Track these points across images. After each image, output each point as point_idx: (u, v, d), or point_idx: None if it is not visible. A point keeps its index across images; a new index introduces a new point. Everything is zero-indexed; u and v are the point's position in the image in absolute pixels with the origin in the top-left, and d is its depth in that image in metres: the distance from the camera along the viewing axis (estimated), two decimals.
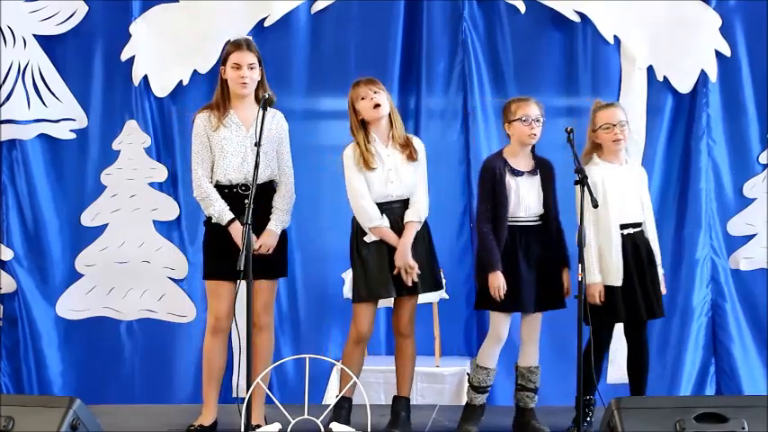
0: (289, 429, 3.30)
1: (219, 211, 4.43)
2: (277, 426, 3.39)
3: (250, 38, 4.59)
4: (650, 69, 5.77)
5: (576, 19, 5.78)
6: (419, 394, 5.41)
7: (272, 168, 4.50)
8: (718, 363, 5.81)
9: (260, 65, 4.50)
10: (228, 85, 4.49)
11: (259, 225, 4.41)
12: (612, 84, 5.77)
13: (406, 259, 4.36)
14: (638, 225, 4.52)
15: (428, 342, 5.59)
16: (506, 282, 4.38)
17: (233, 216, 4.41)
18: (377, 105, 4.40)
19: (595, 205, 4.17)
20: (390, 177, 4.43)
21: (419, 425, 4.69)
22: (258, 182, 4.26)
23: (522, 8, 5.79)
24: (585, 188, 4.19)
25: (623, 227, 4.46)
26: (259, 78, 4.51)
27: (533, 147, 4.53)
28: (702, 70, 5.75)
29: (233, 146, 4.45)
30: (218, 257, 4.45)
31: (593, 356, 4.32)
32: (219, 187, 4.48)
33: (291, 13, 5.86)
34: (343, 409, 4.42)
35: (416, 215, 4.42)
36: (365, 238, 4.44)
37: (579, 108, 5.74)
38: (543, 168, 4.51)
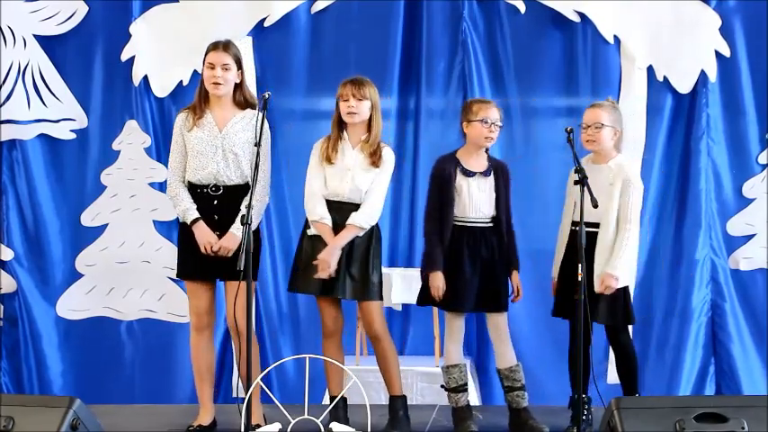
0: (289, 429, 3.31)
1: (184, 210, 4.42)
2: (277, 426, 3.40)
3: (230, 40, 4.55)
4: (650, 69, 5.77)
5: (576, 19, 5.78)
6: (419, 394, 5.40)
7: (242, 169, 4.44)
8: (718, 363, 5.82)
9: (239, 67, 4.47)
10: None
11: (226, 227, 4.39)
12: (612, 84, 5.77)
13: (327, 256, 4.33)
14: (595, 225, 4.45)
15: (428, 342, 5.59)
16: (448, 280, 4.40)
17: (197, 216, 4.40)
18: (351, 113, 4.41)
19: (595, 205, 4.17)
20: (346, 177, 4.42)
21: (419, 425, 4.69)
22: (229, 183, 4.35)
23: (522, 8, 5.80)
24: (585, 188, 4.19)
25: (576, 224, 4.43)
26: (237, 81, 4.48)
27: (487, 149, 4.53)
28: (702, 70, 5.75)
29: (203, 146, 4.44)
30: (189, 257, 4.46)
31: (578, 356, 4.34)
32: (192, 187, 4.47)
33: (291, 14, 5.86)
34: (340, 409, 4.42)
35: (358, 220, 4.38)
36: (308, 231, 4.46)
37: (579, 108, 5.70)
38: (497, 171, 4.51)
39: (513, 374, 4.52)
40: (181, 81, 5.87)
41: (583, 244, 4.16)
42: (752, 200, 5.79)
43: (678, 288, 5.77)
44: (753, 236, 5.79)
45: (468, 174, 4.46)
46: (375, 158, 4.43)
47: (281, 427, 3.38)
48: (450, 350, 4.55)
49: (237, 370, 3.96)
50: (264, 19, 5.84)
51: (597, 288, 4.39)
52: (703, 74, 5.75)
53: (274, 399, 3.60)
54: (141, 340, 5.95)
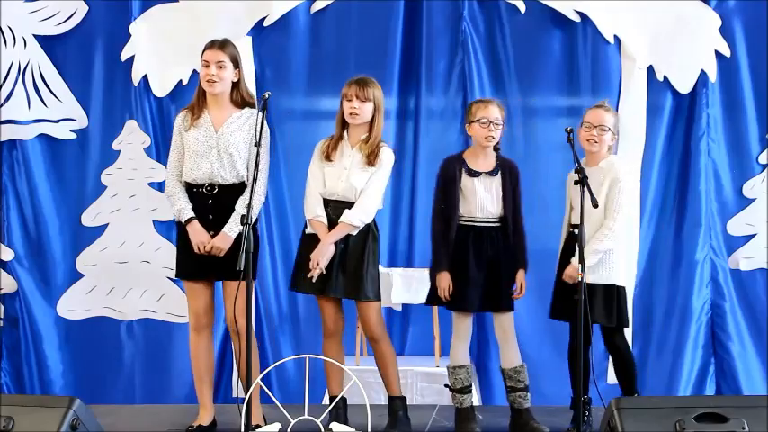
0: (289, 429, 3.31)
1: (179, 209, 4.45)
2: (277, 426, 3.40)
3: (228, 39, 4.55)
4: (650, 69, 5.77)
5: (577, 19, 5.78)
6: (419, 394, 5.41)
7: (237, 170, 4.44)
8: (718, 363, 5.81)
9: (235, 66, 4.47)
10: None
11: (220, 226, 4.40)
12: (612, 84, 5.77)
13: (318, 254, 4.35)
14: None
15: (428, 342, 5.59)
16: (454, 280, 4.42)
17: (192, 215, 4.42)
18: (353, 114, 4.42)
19: (595, 205, 4.17)
20: (342, 176, 4.44)
21: (419, 425, 4.69)
22: (223, 183, 4.36)
23: (522, 8, 5.79)
24: (585, 188, 4.19)
25: (574, 226, 4.45)
26: (234, 79, 4.48)
27: (497, 149, 4.53)
28: (702, 70, 5.74)
29: (199, 146, 4.45)
30: (187, 257, 4.47)
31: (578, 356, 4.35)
32: (188, 186, 4.49)
33: (291, 13, 5.86)
34: (339, 409, 4.42)
35: (350, 217, 4.39)
36: (306, 230, 4.49)
37: (579, 108, 5.70)
38: (505, 170, 4.51)
39: (517, 375, 4.53)
40: (180, 81, 5.86)
41: (583, 244, 4.17)
42: (752, 200, 5.79)
43: (678, 288, 5.77)
44: (753, 236, 5.79)
45: (473, 174, 4.47)
46: (372, 158, 4.44)
47: (281, 427, 3.38)
48: (457, 351, 4.55)
49: (237, 370, 3.95)
50: (264, 19, 5.84)
51: (563, 277, 4.46)
52: (703, 74, 5.75)
53: (274, 399, 3.60)
54: (141, 340, 5.95)
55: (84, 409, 3.91)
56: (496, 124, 4.44)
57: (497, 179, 4.49)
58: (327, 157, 4.47)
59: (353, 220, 4.39)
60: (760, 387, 5.72)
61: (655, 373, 5.74)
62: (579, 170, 4.24)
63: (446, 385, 4.63)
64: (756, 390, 5.68)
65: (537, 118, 5.86)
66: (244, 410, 3.60)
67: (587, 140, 4.49)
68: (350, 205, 4.42)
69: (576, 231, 4.35)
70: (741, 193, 5.79)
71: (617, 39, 5.77)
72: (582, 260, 4.15)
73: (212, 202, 4.42)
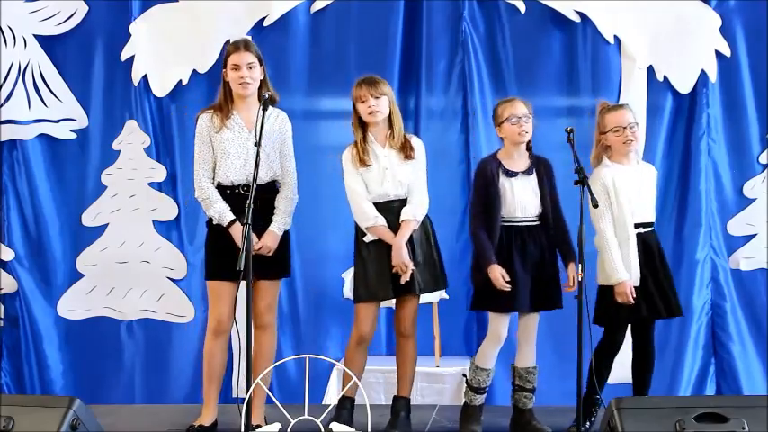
0: (289, 429, 3.31)
1: (220, 212, 4.43)
2: (277, 426, 3.40)
3: (249, 38, 4.59)
4: (650, 69, 5.77)
5: (577, 19, 5.78)
6: (419, 394, 5.41)
7: (274, 169, 4.50)
8: (718, 363, 5.81)
9: (260, 64, 4.50)
10: (230, 86, 4.49)
11: (260, 226, 4.41)
12: (613, 84, 5.77)
13: (400, 257, 4.36)
14: (650, 225, 4.52)
15: (428, 342, 5.59)
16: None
17: (233, 217, 4.42)
18: (373, 113, 4.42)
19: (595, 205, 4.17)
20: (386, 177, 4.44)
21: (419, 425, 4.69)
22: (259, 183, 4.26)
23: (522, 8, 5.79)
24: (585, 188, 4.19)
25: (636, 226, 4.46)
26: (261, 77, 4.51)
27: (529, 146, 4.53)
28: (702, 70, 5.75)
29: (235, 147, 4.45)
30: (220, 258, 4.45)
31: (605, 358, 4.35)
32: (221, 188, 4.48)
33: (291, 13, 5.85)
34: (345, 410, 4.44)
35: (411, 213, 4.42)
36: (364, 239, 4.45)
37: (579, 108, 5.75)
38: (539, 168, 4.51)
39: (528, 375, 4.53)
40: (180, 81, 5.86)
41: (583, 244, 4.17)
42: (752, 200, 5.79)
43: (679, 288, 5.73)
44: (753, 236, 5.79)
45: (510, 174, 4.47)
46: (407, 150, 4.47)
47: (281, 427, 3.38)
48: (488, 353, 4.53)
49: (246, 368, 3.95)
50: (264, 18, 5.84)
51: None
52: (703, 74, 5.75)
53: (274, 399, 3.60)
54: (141, 340, 5.95)
55: (84, 409, 3.91)
56: (526, 118, 4.45)
57: (533, 177, 4.49)
58: (362, 162, 4.44)
59: (416, 214, 4.42)
60: (760, 387, 5.72)
61: (655, 373, 5.65)
62: (579, 170, 4.24)
63: (464, 375, 4.64)
64: (757, 390, 5.68)
65: (537, 118, 5.84)
66: (244, 410, 3.60)
67: (624, 143, 4.47)
68: (400, 202, 4.44)
69: (637, 231, 4.43)
70: (741, 192, 5.79)
71: (617, 39, 5.77)
72: (582, 260, 4.16)
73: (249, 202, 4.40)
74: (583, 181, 4.21)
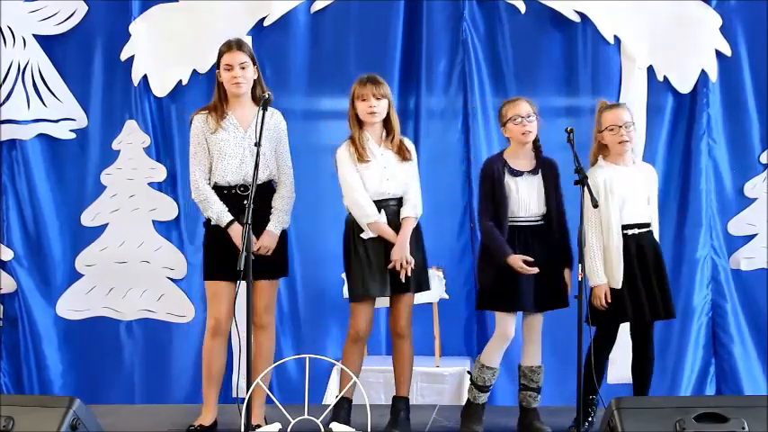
0: (289, 429, 3.30)
1: (218, 212, 4.43)
2: (277, 426, 3.39)
3: (240, 38, 4.57)
4: (650, 69, 5.77)
5: (576, 19, 5.77)
6: (419, 394, 5.40)
7: (270, 168, 4.50)
8: (719, 363, 5.81)
9: (254, 63, 4.49)
10: (224, 86, 4.49)
11: (258, 225, 4.40)
12: (613, 84, 5.77)
13: (403, 253, 4.37)
14: (645, 225, 4.50)
15: (428, 342, 5.58)
16: (506, 281, 4.39)
17: (232, 218, 4.41)
18: (372, 113, 4.42)
19: (595, 205, 4.16)
20: (386, 175, 4.44)
21: (419, 425, 4.69)
22: (257, 182, 4.24)
23: (522, 8, 5.79)
24: (585, 188, 4.19)
25: (628, 227, 4.44)
26: (255, 77, 4.51)
27: (538, 146, 4.53)
28: (703, 70, 5.74)
29: (231, 147, 4.45)
30: (219, 258, 4.44)
31: (595, 357, 4.33)
32: (218, 188, 4.48)
33: (291, 13, 5.85)
34: (343, 409, 4.42)
35: (413, 210, 4.45)
36: (362, 235, 4.44)
37: (579, 108, 5.75)
38: (545, 168, 4.51)
39: (533, 374, 4.54)
40: (180, 81, 5.86)
41: (583, 244, 4.17)
42: (753, 200, 5.79)
43: (679, 288, 5.76)
44: (754, 236, 5.79)
45: (515, 173, 4.47)
46: (403, 152, 4.48)
47: (281, 427, 3.37)
48: (493, 352, 4.52)
49: (246, 368, 3.94)
50: (264, 18, 5.84)
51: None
52: (704, 73, 5.75)
53: (274, 399, 3.59)
54: (141, 340, 5.95)
55: (84, 409, 3.91)
56: (529, 117, 4.45)
57: (538, 177, 4.48)
58: (361, 158, 4.43)
59: (417, 212, 4.47)
60: (760, 387, 5.72)
61: (655, 373, 5.66)
62: (579, 170, 4.24)
63: (468, 372, 4.64)
64: (757, 390, 5.68)
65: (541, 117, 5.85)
66: (244, 410, 3.59)
67: (618, 143, 4.46)
68: (395, 200, 4.45)
69: (630, 232, 4.41)
70: (742, 192, 5.79)
71: (617, 39, 5.77)
72: (582, 260, 4.15)
73: (247, 203, 4.40)
74: (583, 181, 4.20)
